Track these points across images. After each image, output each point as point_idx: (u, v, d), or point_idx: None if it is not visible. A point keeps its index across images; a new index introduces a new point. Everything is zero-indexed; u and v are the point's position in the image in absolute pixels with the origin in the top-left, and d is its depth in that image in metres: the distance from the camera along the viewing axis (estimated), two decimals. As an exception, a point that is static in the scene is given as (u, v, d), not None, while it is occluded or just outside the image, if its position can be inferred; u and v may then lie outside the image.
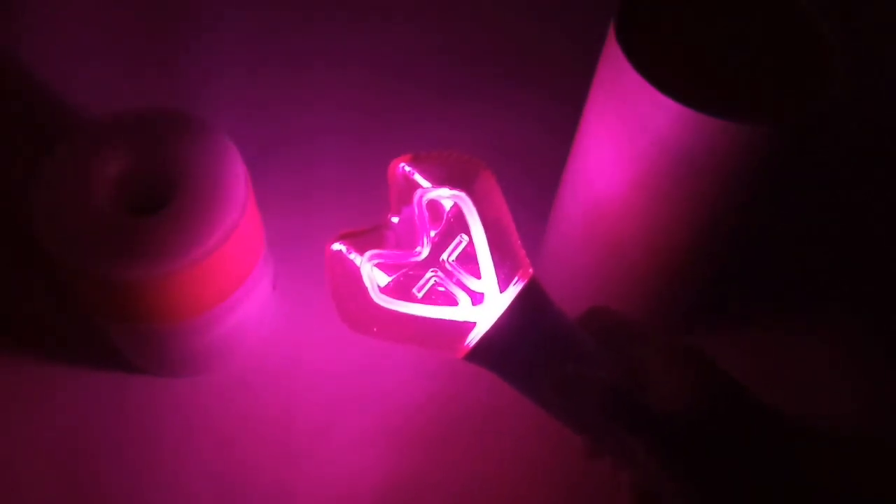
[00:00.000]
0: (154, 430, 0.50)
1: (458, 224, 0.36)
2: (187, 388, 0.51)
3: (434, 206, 0.37)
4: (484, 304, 0.35)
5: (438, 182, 0.37)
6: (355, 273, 0.36)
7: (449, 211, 0.37)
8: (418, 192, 0.36)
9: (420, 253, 0.36)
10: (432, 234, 0.36)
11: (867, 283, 0.58)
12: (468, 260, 0.36)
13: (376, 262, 0.36)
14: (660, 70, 0.37)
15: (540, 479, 0.49)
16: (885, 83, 0.56)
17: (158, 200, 0.42)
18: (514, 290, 0.35)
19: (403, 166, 0.37)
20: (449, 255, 0.36)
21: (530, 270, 0.36)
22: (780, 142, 0.37)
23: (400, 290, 0.36)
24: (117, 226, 0.41)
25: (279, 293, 0.54)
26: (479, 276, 0.36)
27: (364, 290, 0.36)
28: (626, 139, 0.41)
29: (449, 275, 0.36)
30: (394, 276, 0.36)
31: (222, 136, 0.45)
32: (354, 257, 0.36)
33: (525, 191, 0.58)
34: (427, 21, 0.68)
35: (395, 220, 0.37)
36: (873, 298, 0.57)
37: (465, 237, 0.36)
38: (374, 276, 0.36)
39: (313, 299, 0.55)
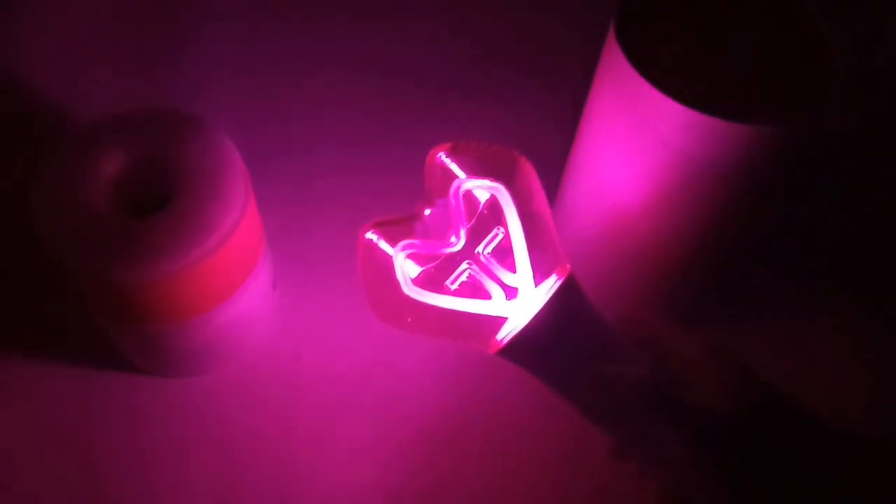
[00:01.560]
0: (154, 430, 0.50)
1: (492, 216, 0.35)
2: (187, 388, 0.51)
3: (468, 197, 0.36)
4: (518, 298, 0.34)
5: (476, 173, 0.36)
6: (387, 263, 0.35)
7: (484, 203, 0.36)
8: (456, 182, 0.35)
9: (455, 244, 0.35)
10: (467, 225, 0.35)
11: (870, 282, 0.58)
12: (503, 253, 0.35)
13: (410, 251, 0.35)
14: (660, 70, 0.37)
15: (545, 488, 0.49)
16: (886, 83, 0.56)
17: (158, 200, 0.42)
18: (548, 285, 0.35)
19: (441, 155, 0.36)
20: (484, 248, 0.35)
21: (568, 266, 0.35)
22: (780, 142, 0.37)
23: (431, 281, 0.35)
24: (117, 226, 0.41)
25: (279, 293, 0.54)
26: (513, 271, 0.35)
27: (395, 280, 0.35)
28: (626, 139, 0.41)
29: (483, 268, 0.35)
30: (425, 268, 0.35)
31: (222, 136, 0.45)
32: (386, 247, 0.35)
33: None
34: (427, 21, 0.68)
35: (427, 211, 0.36)
36: (876, 297, 0.57)
37: (502, 230, 0.35)
38: (406, 266, 0.35)
39: (313, 299, 0.55)
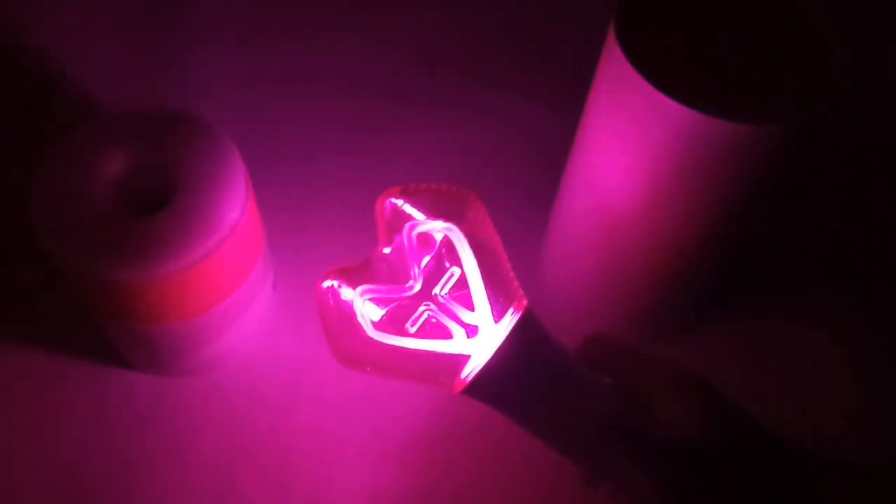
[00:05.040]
0: (154, 430, 0.50)
1: (449, 255, 0.36)
2: (187, 388, 0.51)
3: (425, 237, 0.36)
4: (478, 336, 0.35)
5: (428, 213, 0.36)
6: (348, 308, 0.35)
7: (440, 242, 0.36)
8: (408, 226, 0.35)
9: (412, 287, 0.35)
10: (423, 266, 0.35)
11: (870, 282, 0.58)
12: (461, 292, 0.35)
13: (369, 296, 0.35)
14: (660, 70, 0.37)
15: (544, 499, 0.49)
16: (886, 83, 0.56)
17: (158, 200, 0.42)
18: (508, 321, 0.35)
19: (392, 200, 0.36)
20: (441, 289, 0.35)
21: (524, 301, 0.35)
22: (780, 141, 0.37)
23: (394, 323, 0.35)
24: (117, 226, 0.41)
25: (279, 293, 0.54)
26: (472, 309, 0.35)
27: (357, 325, 0.35)
28: (626, 139, 0.41)
29: (442, 308, 0.35)
30: (386, 310, 0.35)
31: (222, 136, 0.45)
32: (345, 292, 0.35)
33: (525, 191, 0.58)
34: (427, 21, 0.68)
35: (386, 251, 0.36)
36: (877, 297, 0.57)
37: (458, 269, 0.35)
38: (366, 310, 0.35)
39: (313, 299, 0.55)
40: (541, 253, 0.55)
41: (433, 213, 0.36)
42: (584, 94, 0.44)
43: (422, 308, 0.35)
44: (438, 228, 0.35)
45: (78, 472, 0.48)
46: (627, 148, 0.41)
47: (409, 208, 0.36)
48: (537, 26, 0.68)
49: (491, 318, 0.35)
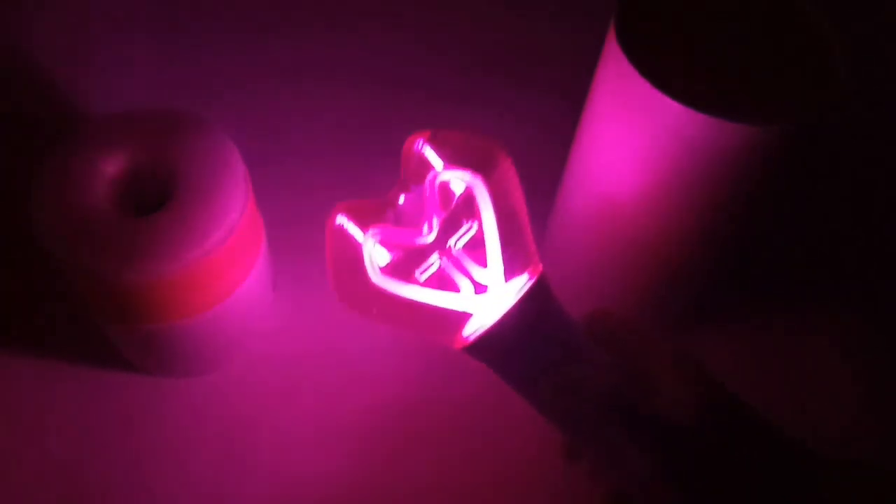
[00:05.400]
0: (154, 430, 0.50)
1: (467, 209, 0.34)
2: (187, 388, 0.51)
3: (444, 188, 0.34)
4: (487, 294, 0.33)
5: (455, 163, 0.34)
6: (356, 249, 0.34)
7: (460, 195, 0.34)
8: (432, 173, 0.34)
9: (427, 235, 0.34)
10: (440, 216, 0.34)
11: (870, 282, 0.58)
12: (475, 248, 0.34)
13: (379, 238, 0.34)
14: (660, 70, 0.37)
15: (540, 480, 0.49)
16: (886, 83, 0.56)
17: (158, 200, 0.42)
18: (520, 283, 0.33)
19: (421, 143, 0.35)
20: (456, 242, 0.34)
21: (540, 267, 0.34)
22: (780, 141, 0.37)
23: (400, 270, 0.34)
24: (117, 226, 0.41)
25: (279, 293, 0.54)
26: (484, 266, 0.33)
27: (363, 268, 0.33)
28: (626, 139, 0.41)
29: (454, 261, 0.34)
30: (394, 255, 0.34)
31: (222, 136, 0.45)
32: (356, 232, 0.34)
33: (525, 190, 0.58)
34: (427, 21, 0.68)
35: (401, 199, 0.34)
36: (877, 297, 0.57)
37: (475, 224, 0.34)
38: (375, 254, 0.34)
39: (314, 299, 0.55)
40: (541, 251, 0.55)
41: (459, 163, 0.34)
42: (584, 92, 0.44)
43: (433, 258, 0.34)
44: (463, 179, 0.34)
45: (77, 472, 0.48)
46: (627, 147, 0.41)
47: (433, 156, 0.34)
48: (536, 25, 0.68)
49: (502, 278, 0.33)
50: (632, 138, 0.40)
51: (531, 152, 0.62)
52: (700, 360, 0.34)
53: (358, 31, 0.67)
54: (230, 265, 0.44)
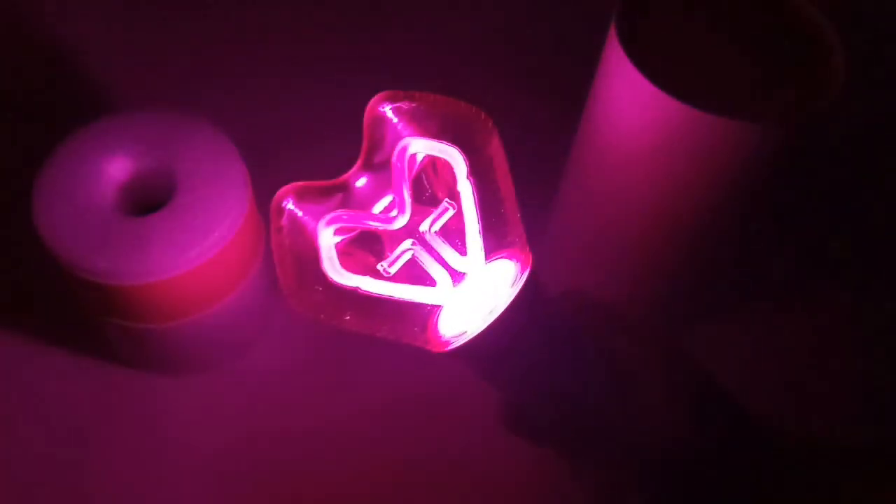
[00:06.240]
0: (153, 430, 0.50)
1: (442, 187, 0.29)
2: (187, 388, 0.51)
3: (414, 162, 0.29)
4: (464, 283, 0.28)
5: (429, 132, 0.28)
6: (308, 239, 0.28)
7: (420, 162, 0.29)
8: (402, 143, 0.28)
9: (395, 219, 0.28)
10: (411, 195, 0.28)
11: (870, 281, 0.58)
12: (447, 234, 0.29)
13: (338, 225, 0.28)
14: (660, 69, 0.37)
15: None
16: (886, 83, 0.56)
17: (158, 200, 0.42)
18: (507, 275, 0.29)
19: (385, 107, 0.28)
20: (430, 226, 0.28)
21: (529, 258, 0.30)
22: (780, 141, 0.37)
23: (365, 264, 0.28)
24: (117, 226, 0.41)
25: (279, 293, 0.54)
26: (464, 253, 0.28)
27: (322, 264, 0.27)
28: (626, 138, 0.41)
29: (428, 248, 0.28)
30: (342, 240, 0.28)
31: (222, 136, 0.45)
32: (308, 220, 0.28)
33: (525, 190, 0.58)
34: (428, 20, 0.68)
35: (362, 181, 0.29)
36: (877, 296, 0.57)
37: (453, 206, 0.28)
38: (332, 244, 0.28)
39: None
40: (541, 251, 0.55)
41: (436, 133, 0.28)
42: (585, 91, 0.44)
43: (405, 245, 0.28)
44: (439, 151, 0.28)
45: (76, 471, 0.48)
46: (628, 147, 0.41)
47: (404, 121, 0.28)
48: (537, 25, 0.68)
49: (483, 264, 0.28)
50: (632, 137, 0.40)
51: (530, 153, 0.62)
52: (688, 354, 0.33)
53: (360, 31, 0.67)
54: (230, 265, 0.44)
